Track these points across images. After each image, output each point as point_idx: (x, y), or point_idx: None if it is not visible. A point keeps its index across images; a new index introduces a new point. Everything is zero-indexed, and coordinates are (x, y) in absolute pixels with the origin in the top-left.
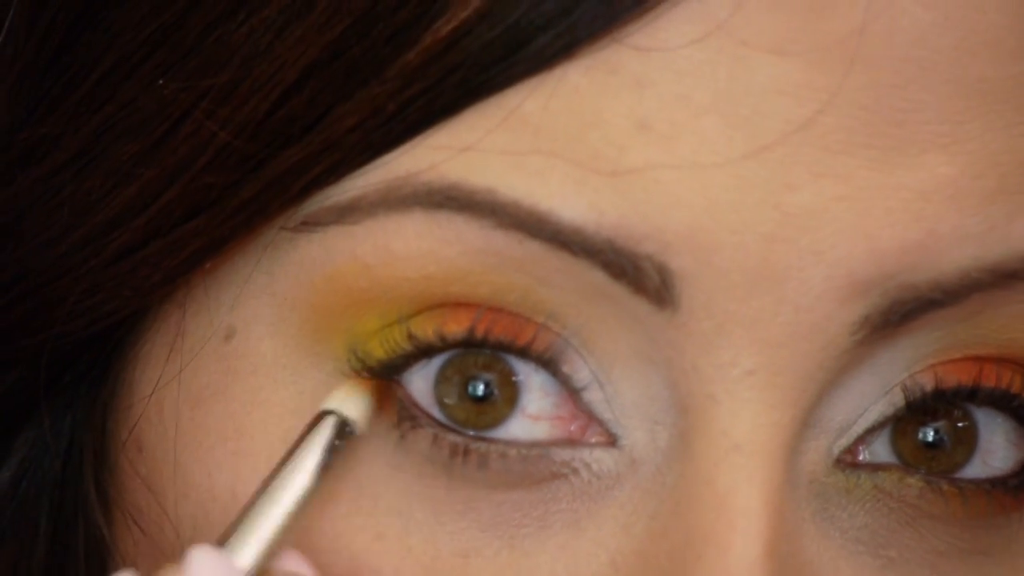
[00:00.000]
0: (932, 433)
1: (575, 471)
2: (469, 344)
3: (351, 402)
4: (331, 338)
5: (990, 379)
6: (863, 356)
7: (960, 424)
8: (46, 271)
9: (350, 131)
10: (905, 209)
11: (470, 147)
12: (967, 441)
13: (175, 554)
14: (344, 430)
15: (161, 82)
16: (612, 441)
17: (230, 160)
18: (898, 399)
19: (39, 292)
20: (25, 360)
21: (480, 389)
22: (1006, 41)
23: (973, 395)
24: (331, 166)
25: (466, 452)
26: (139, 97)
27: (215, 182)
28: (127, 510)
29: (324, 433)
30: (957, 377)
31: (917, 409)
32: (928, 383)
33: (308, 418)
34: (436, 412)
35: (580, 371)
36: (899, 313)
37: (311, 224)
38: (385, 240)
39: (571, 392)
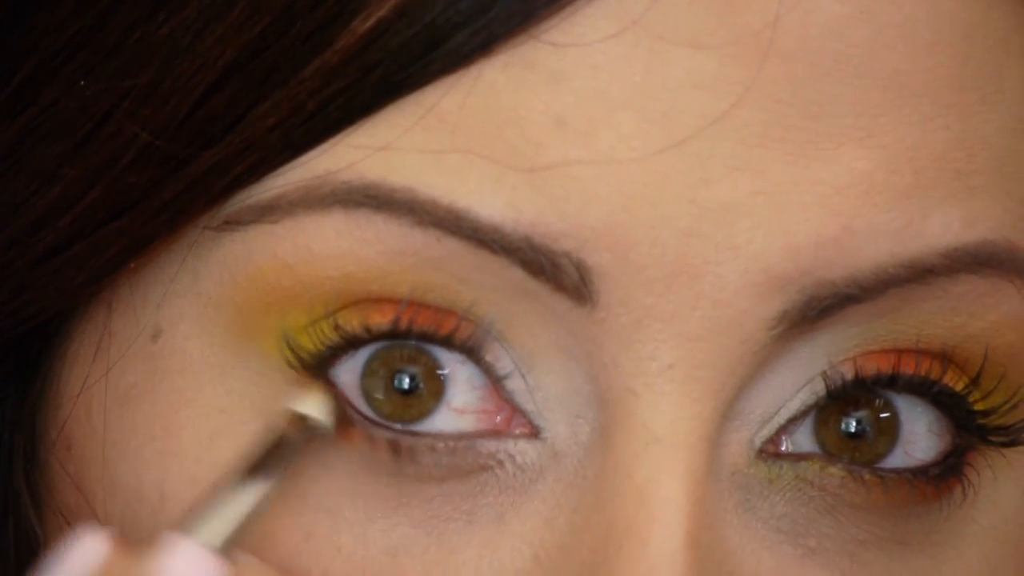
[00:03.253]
0: (855, 423)
1: (500, 463)
2: (394, 335)
3: (316, 403)
4: (258, 336)
5: (909, 366)
6: (782, 350)
7: (882, 415)
8: None
9: (270, 130)
10: (820, 204)
11: (388, 146)
12: (889, 431)
13: None
14: (311, 430)
15: (83, 83)
16: (535, 433)
17: (152, 160)
18: (819, 388)
19: None
20: None
21: (406, 382)
22: (922, 34)
23: (893, 382)
24: (252, 165)
25: (397, 448)
26: (62, 98)
27: (137, 182)
28: (58, 509)
29: (292, 434)
30: (877, 365)
31: (838, 397)
32: (848, 372)
33: (236, 416)
34: (363, 407)
35: (502, 359)
36: (816, 309)
37: (233, 223)
38: (305, 239)
39: (494, 382)
